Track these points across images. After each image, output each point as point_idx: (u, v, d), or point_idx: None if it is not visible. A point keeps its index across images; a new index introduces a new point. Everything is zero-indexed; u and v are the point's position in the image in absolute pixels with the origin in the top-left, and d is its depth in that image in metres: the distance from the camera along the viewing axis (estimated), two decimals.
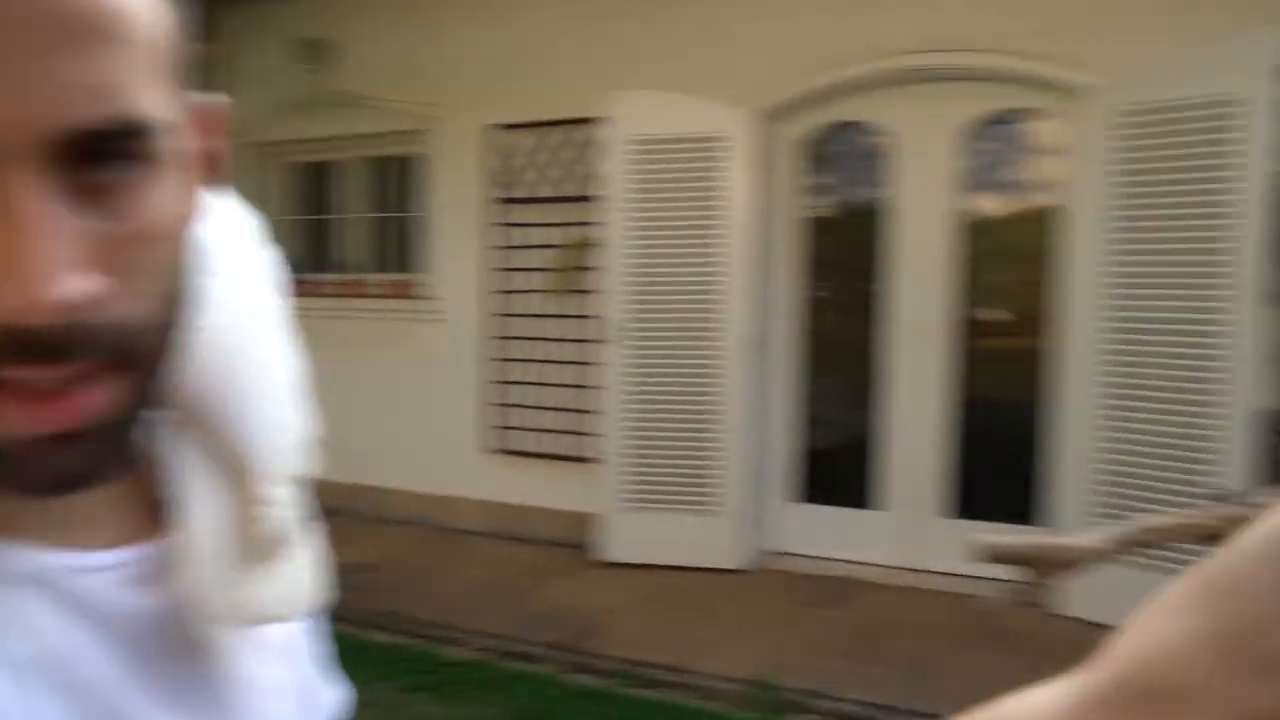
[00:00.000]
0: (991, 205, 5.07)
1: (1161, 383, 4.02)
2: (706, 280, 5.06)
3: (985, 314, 5.07)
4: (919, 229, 4.99)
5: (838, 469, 5.54)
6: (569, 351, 5.58)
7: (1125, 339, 4.12)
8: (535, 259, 5.65)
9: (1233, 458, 3.79)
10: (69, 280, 0.43)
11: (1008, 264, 5.12)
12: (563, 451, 5.61)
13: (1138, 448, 4.08)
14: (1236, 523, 1.19)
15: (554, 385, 5.64)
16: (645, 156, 5.05)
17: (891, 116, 5.07)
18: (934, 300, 4.99)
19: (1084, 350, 4.27)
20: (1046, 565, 1.67)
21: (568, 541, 5.41)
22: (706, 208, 5.02)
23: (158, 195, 0.48)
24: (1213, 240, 3.84)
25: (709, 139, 5.02)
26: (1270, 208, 3.68)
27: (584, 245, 5.38)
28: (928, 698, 3.64)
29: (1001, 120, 4.90)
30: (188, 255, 0.52)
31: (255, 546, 0.62)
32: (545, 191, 5.63)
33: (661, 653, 4.12)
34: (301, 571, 0.67)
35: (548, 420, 5.65)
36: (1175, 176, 3.94)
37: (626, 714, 3.69)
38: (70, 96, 0.43)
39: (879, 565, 5.12)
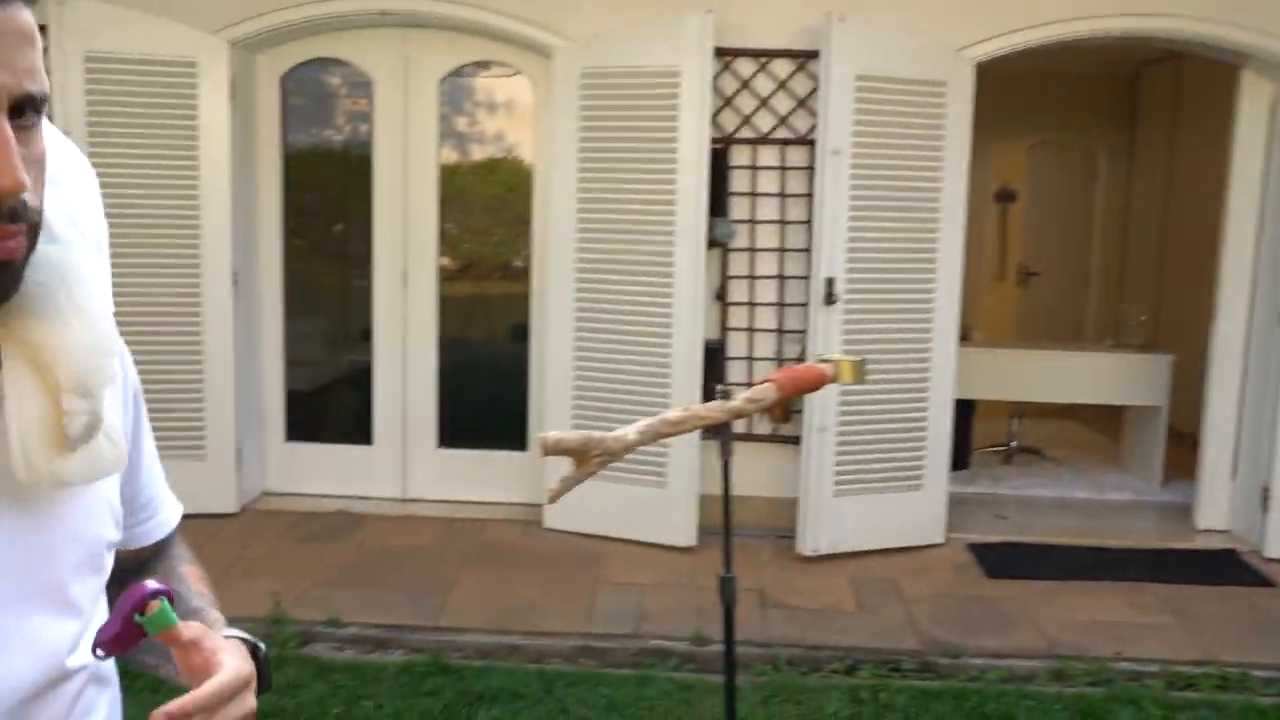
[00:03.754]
0: (468, 155, 5.44)
1: (624, 318, 4.85)
2: (184, 216, 4.86)
3: (466, 260, 5.56)
4: (401, 175, 5.23)
5: (329, 407, 5.65)
6: None
7: (592, 281, 4.89)
8: None
9: (684, 379, 4.75)
10: (23, 176, 0.79)
11: (485, 212, 5.56)
12: None
13: (606, 377, 4.91)
14: (730, 413, 2.05)
15: None
16: (105, 75, 4.76)
17: (371, 59, 5.20)
18: (418, 245, 5.29)
19: (558, 292, 4.95)
20: (591, 456, 1.88)
21: None
22: (179, 138, 4.82)
23: (39, 136, 0.85)
24: (665, 192, 4.72)
25: (179, 63, 4.79)
26: (706, 165, 4.65)
27: None
28: (432, 614, 4.15)
29: (477, 73, 5.31)
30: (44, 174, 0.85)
31: (63, 439, 0.88)
32: None
33: None
34: (103, 450, 0.93)
35: None
36: (630, 134, 4.77)
37: (127, 666, 4.25)
38: (26, 75, 0.80)
39: (374, 498, 5.35)
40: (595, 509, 4.94)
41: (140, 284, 4.88)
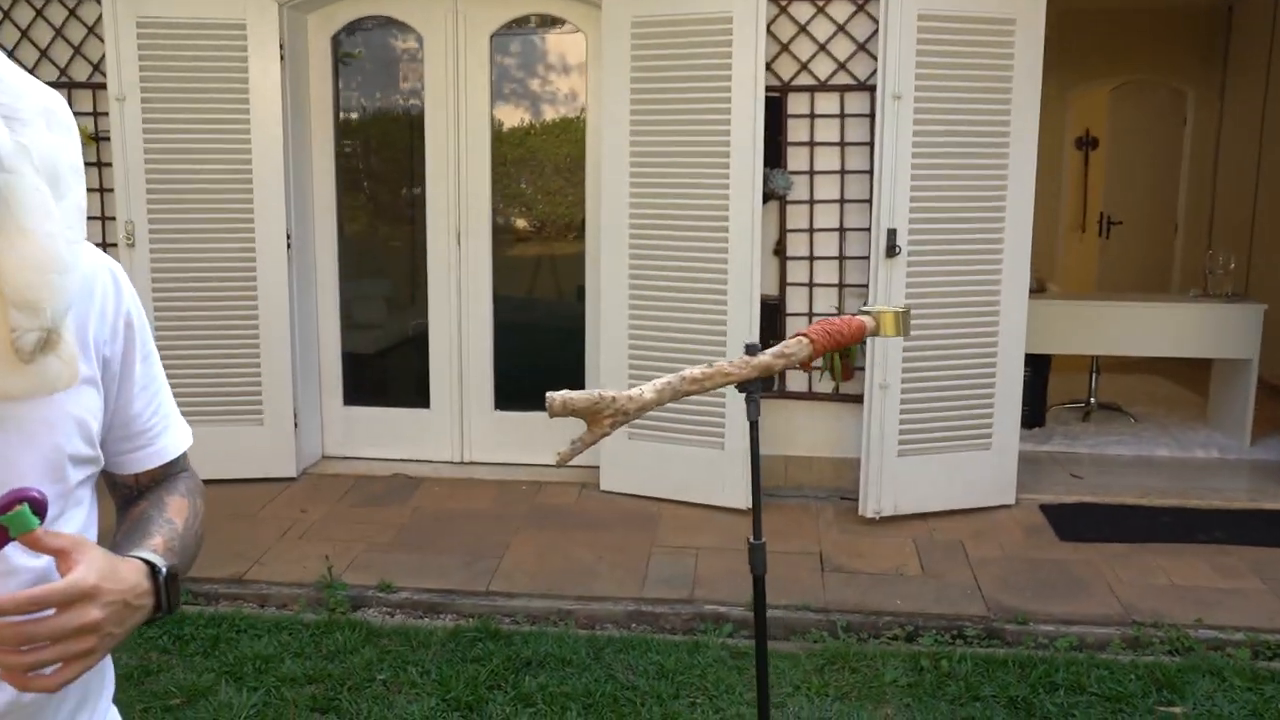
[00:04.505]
0: (522, 113, 5.26)
1: (678, 276, 4.69)
2: (237, 179, 4.82)
3: (520, 219, 5.40)
4: (454, 134, 5.10)
5: (386, 370, 5.59)
6: None
7: (646, 237, 4.72)
8: None
9: (741, 337, 4.51)
10: None
11: (540, 171, 5.37)
12: None
13: (660, 335, 4.76)
14: (758, 369, 1.90)
15: None
16: (157, 40, 4.72)
17: (421, 16, 5.08)
18: (472, 206, 5.16)
19: (612, 249, 4.79)
20: (603, 416, 1.79)
21: None
22: (231, 101, 4.79)
23: None
24: (719, 143, 4.50)
25: (228, 25, 4.74)
26: (761, 113, 4.39)
27: (87, 139, 4.94)
28: (484, 579, 4.07)
29: (533, 30, 5.18)
30: None
31: (13, 354, 0.96)
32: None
33: (217, 567, 4.10)
34: (50, 367, 1.00)
35: None
36: (683, 84, 4.56)
37: (180, 631, 3.68)
38: None
39: (432, 461, 5.32)
40: (651, 471, 4.83)
41: (195, 249, 4.88)
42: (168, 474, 1.28)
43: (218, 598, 4.03)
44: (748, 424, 4.53)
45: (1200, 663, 3.50)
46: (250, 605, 4.00)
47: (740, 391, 1.94)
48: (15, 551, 1.00)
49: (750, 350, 1.93)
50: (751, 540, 2.01)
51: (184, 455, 1.31)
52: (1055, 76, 8.05)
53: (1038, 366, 5.78)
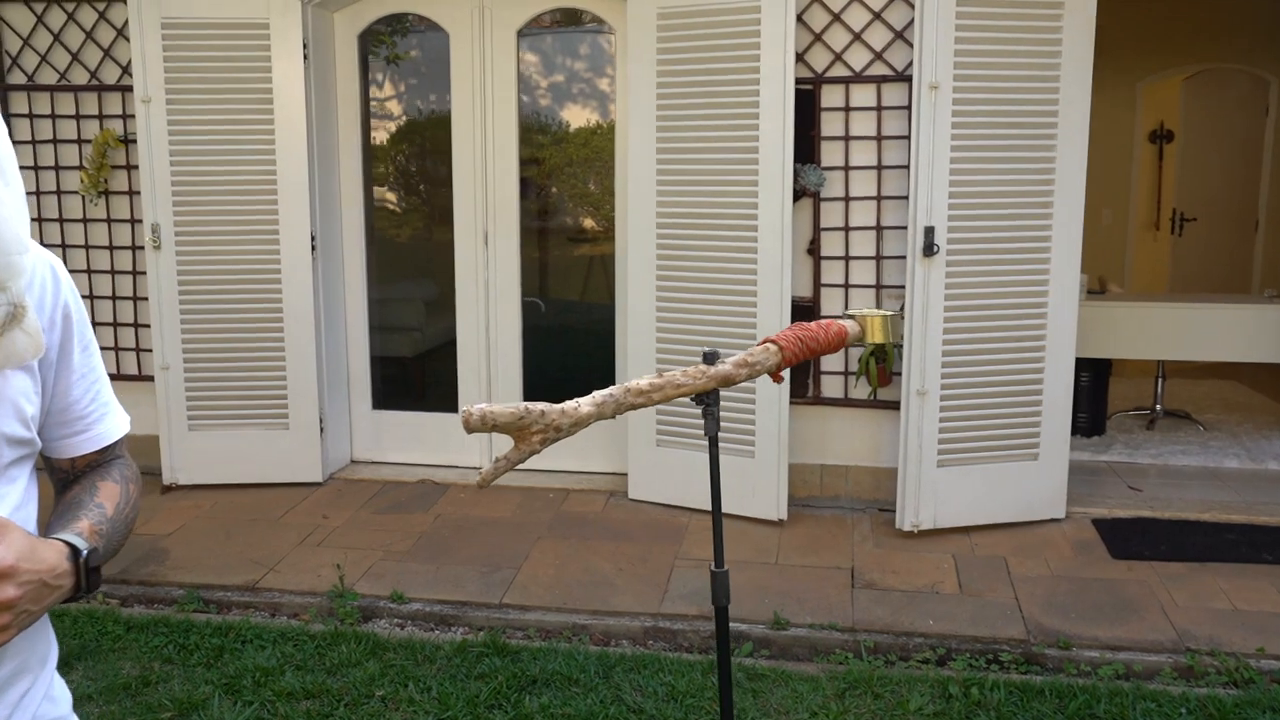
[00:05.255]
0: (551, 111, 5.13)
1: (706, 276, 4.48)
2: (261, 181, 4.78)
3: (548, 219, 5.26)
4: (480, 132, 4.99)
5: (415, 374, 5.50)
6: (105, 260, 5.13)
7: (674, 237, 4.54)
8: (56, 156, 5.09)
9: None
10: None
11: (568, 169, 5.21)
12: (111, 369, 4.89)
13: (688, 338, 4.55)
14: (716, 379, 1.71)
15: (99, 297, 5.18)
16: (181, 41, 4.71)
17: (446, 12, 4.97)
18: (500, 206, 5.04)
19: (639, 249, 4.62)
20: (530, 432, 1.64)
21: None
22: (255, 102, 4.74)
23: None
24: (747, 138, 4.32)
25: (252, 25, 4.69)
26: (791, 106, 4.22)
27: (116, 142, 5.00)
28: (498, 591, 3.93)
29: (556, 25, 5.04)
30: None
31: None
32: (50, 79, 5.05)
33: (231, 574, 4.06)
34: (17, 340, 1.10)
35: (100, 337, 4.93)
36: (711, 77, 4.38)
37: (186, 640, 3.61)
38: None
39: (460, 467, 5.22)
40: (681, 479, 4.65)
41: (221, 251, 4.84)
42: (104, 459, 1.34)
43: (230, 606, 3.95)
44: (781, 431, 4.39)
45: (1261, 697, 3.20)
46: (261, 614, 3.91)
47: (697, 404, 1.75)
48: None
49: (708, 359, 1.74)
50: (714, 568, 1.82)
51: (120, 442, 1.36)
52: (1126, 67, 7.67)
53: (1098, 371, 5.46)
